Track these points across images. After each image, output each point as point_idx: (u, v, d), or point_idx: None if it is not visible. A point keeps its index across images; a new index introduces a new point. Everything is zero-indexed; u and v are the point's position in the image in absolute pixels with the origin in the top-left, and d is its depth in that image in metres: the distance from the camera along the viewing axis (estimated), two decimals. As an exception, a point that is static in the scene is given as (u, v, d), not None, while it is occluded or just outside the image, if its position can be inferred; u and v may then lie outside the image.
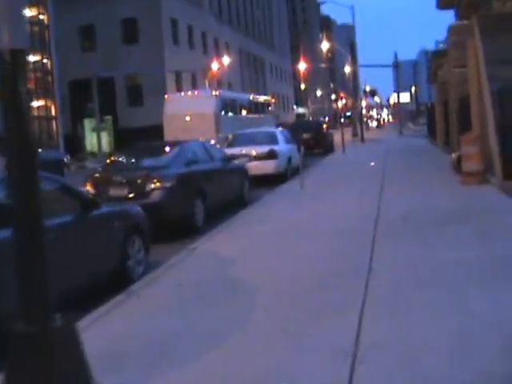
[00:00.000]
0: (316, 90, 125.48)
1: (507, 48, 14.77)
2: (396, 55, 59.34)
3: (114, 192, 11.65)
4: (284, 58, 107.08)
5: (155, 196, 11.34)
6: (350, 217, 11.29)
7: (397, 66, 59.02)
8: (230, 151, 18.91)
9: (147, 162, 12.99)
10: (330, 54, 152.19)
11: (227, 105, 30.82)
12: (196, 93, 30.95)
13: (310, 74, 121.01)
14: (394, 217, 10.80)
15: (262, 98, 42.33)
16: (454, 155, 16.87)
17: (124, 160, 13.87)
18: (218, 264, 8.57)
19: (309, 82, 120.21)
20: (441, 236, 8.89)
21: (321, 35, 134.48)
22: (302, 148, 23.31)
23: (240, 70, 78.56)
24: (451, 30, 21.12)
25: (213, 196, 12.87)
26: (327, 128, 36.79)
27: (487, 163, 14.53)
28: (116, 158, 14.71)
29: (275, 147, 19.16)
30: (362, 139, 46.41)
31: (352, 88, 76.21)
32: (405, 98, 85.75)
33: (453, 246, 8.19)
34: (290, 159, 19.61)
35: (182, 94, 31.45)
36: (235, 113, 32.24)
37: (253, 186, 16.69)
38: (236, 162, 15.59)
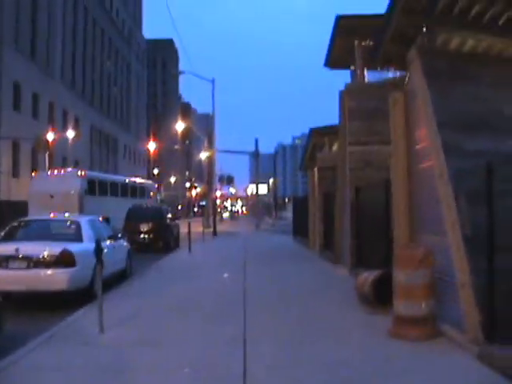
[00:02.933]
0: (171, 176, 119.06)
1: (471, 104, 8.70)
2: (257, 142, 54.40)
3: None
4: (140, 140, 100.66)
5: None
6: None
7: (257, 154, 54.00)
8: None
9: None
10: (187, 142, 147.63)
11: (95, 186, 29.70)
12: (62, 172, 30.01)
13: (165, 160, 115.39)
14: None
15: (140, 182, 41.90)
16: (363, 278, 10.24)
17: None
18: None
19: (164, 167, 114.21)
20: None
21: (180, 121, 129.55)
22: (127, 245, 16.16)
23: (90, 148, 71.75)
24: (347, 91, 15.14)
25: None
26: (173, 218, 29.53)
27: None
28: None
29: (74, 246, 11.56)
30: (215, 233, 40.12)
31: (207, 176, 70.77)
32: (262, 189, 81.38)
33: None
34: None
35: (49, 172, 30.96)
36: (105, 195, 30.89)
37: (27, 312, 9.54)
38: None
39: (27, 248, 11.28)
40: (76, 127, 63.30)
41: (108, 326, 8.75)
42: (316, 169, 21.55)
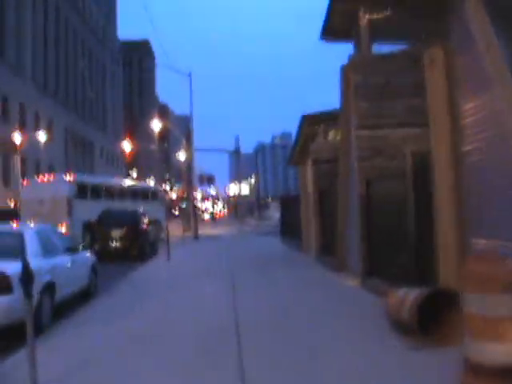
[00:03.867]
0: (149, 178, 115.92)
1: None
2: (238, 140, 52.00)
3: None
4: (117, 142, 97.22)
5: None
6: None
7: (238, 150, 51.54)
8: None
9: None
10: (166, 144, 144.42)
11: (86, 190, 28.55)
12: (51, 177, 29.01)
13: (143, 162, 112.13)
14: None
15: (142, 185, 41.84)
16: (397, 300, 7.67)
17: None
18: None
19: (142, 169, 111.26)
20: None
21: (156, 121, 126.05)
22: (91, 257, 13.46)
23: (65, 150, 68.88)
24: (351, 65, 12.55)
25: None
26: (149, 222, 26.71)
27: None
28: None
29: (12, 266, 8.77)
30: (196, 236, 37.76)
31: (186, 176, 67.91)
32: (244, 189, 78.80)
33: None
34: (49, 289, 9.54)
35: (39, 178, 29.91)
36: (98, 199, 29.28)
37: None
38: None
39: None
40: (49, 129, 60.83)
41: (49, 379, 6.16)
42: (310, 162, 18.95)
